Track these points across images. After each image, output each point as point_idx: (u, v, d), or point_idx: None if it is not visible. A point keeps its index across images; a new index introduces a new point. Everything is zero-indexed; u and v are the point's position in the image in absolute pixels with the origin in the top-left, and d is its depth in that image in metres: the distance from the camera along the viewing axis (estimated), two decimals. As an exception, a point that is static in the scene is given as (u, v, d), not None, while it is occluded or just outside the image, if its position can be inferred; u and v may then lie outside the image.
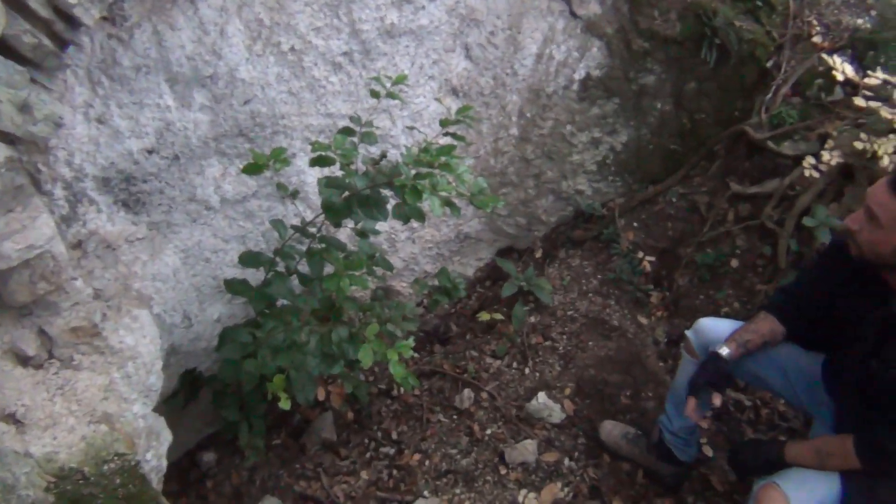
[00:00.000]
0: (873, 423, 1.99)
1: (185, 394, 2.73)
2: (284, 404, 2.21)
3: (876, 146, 2.93)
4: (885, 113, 2.93)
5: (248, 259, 2.48)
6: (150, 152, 2.27)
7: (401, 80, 2.31)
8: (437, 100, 3.02)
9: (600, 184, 3.88)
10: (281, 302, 2.57)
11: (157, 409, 2.09)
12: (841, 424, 2.21)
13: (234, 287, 2.51)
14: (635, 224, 3.82)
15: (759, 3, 3.50)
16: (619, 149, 3.77)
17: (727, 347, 2.29)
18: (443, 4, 2.91)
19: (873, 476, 2.01)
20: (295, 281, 2.55)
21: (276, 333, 2.36)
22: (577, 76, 3.46)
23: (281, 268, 2.52)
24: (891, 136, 2.95)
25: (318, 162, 2.20)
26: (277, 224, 2.48)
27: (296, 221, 2.51)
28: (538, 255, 4.00)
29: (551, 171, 3.73)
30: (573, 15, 3.32)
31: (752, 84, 3.59)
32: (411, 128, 3.01)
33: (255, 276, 2.58)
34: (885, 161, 2.88)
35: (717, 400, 2.24)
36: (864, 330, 2.03)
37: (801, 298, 2.30)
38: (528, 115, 3.49)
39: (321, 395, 3.01)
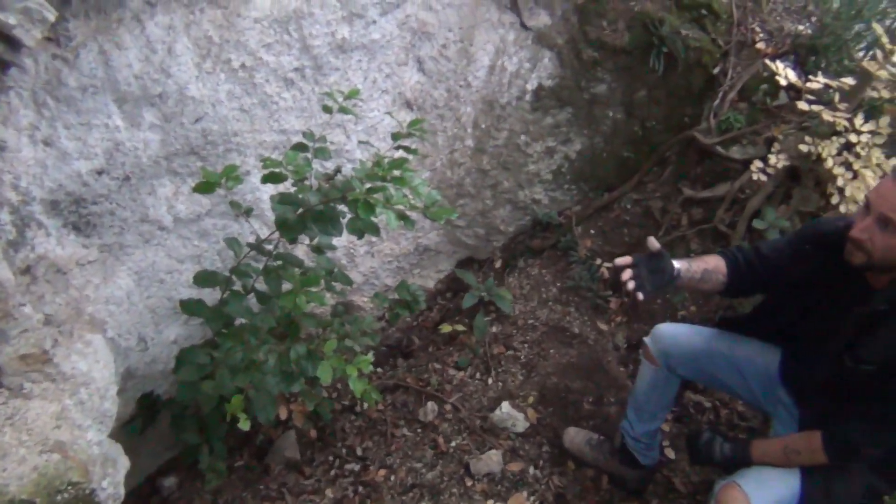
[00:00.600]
0: (841, 419, 2.01)
1: (142, 418, 2.68)
2: (244, 424, 2.18)
3: (820, 148, 3.02)
4: (827, 116, 3.02)
5: (204, 279, 2.44)
6: (99, 173, 2.23)
7: (353, 94, 2.31)
8: (389, 114, 3.03)
9: (556, 192, 3.92)
10: (239, 321, 2.53)
11: (113, 436, 2.04)
12: (804, 422, 2.21)
13: (189, 307, 2.47)
14: (592, 231, 3.86)
15: (704, 12, 3.58)
16: (573, 157, 3.81)
17: (678, 263, 2.16)
18: (394, 18, 2.92)
19: (831, 473, 2.05)
20: (252, 299, 2.52)
21: (234, 353, 2.32)
22: (529, 87, 3.50)
23: (237, 286, 2.49)
24: (833, 138, 3.04)
25: (269, 179, 2.19)
26: (232, 242, 2.45)
27: (251, 239, 2.48)
28: (498, 265, 4.02)
29: (508, 182, 3.76)
30: (524, 27, 3.36)
31: (700, 91, 3.67)
32: (365, 142, 3.01)
33: (211, 295, 2.54)
34: (829, 163, 2.96)
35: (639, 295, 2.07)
36: (840, 326, 2.03)
37: (759, 261, 2.22)
38: (483, 126, 3.52)
39: (283, 414, 2.98)
